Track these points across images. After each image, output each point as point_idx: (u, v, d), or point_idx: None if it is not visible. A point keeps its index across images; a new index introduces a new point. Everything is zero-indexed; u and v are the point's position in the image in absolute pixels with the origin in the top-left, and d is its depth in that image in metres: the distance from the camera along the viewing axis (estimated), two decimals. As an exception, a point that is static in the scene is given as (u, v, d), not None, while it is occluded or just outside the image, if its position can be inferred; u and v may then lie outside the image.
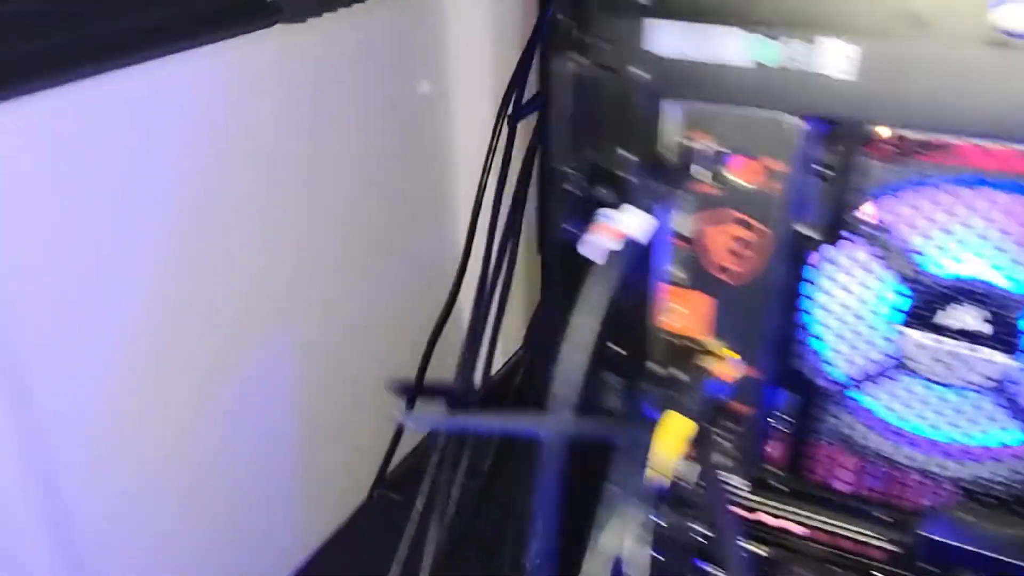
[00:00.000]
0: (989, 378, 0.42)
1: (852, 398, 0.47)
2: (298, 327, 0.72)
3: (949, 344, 0.42)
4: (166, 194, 0.58)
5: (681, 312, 0.48)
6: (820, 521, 0.50)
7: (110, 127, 0.53)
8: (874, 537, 0.48)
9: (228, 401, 0.67)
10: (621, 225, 0.41)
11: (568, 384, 0.39)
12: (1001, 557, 0.42)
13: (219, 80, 0.59)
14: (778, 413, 0.49)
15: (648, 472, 0.42)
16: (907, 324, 0.43)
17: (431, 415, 0.82)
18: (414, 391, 0.82)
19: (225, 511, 0.70)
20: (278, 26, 0.62)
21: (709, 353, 0.48)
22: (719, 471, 0.50)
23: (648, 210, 0.42)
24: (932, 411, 0.45)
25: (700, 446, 0.46)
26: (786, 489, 0.51)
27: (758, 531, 0.52)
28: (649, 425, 0.44)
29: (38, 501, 0.55)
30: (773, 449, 0.51)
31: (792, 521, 0.50)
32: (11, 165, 0.48)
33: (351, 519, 0.83)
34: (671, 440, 0.44)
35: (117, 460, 0.59)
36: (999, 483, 0.44)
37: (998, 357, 0.42)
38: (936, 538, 0.44)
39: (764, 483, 0.51)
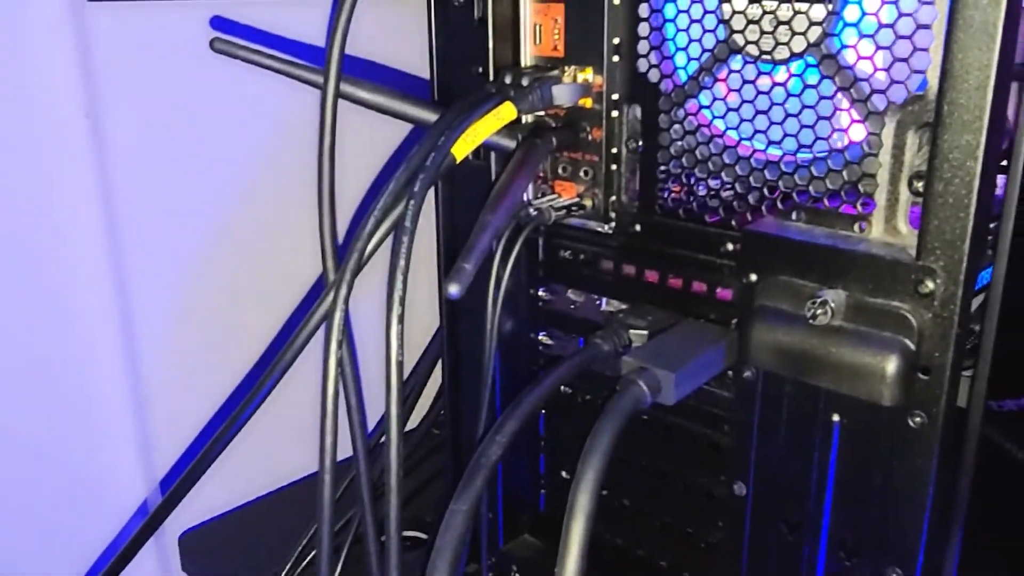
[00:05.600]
0: (812, 43, 0.44)
1: (694, 102, 0.49)
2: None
3: (770, 6, 0.45)
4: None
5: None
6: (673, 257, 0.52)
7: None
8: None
9: None
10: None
11: None
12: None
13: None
14: (627, 138, 0.53)
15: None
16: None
17: None
18: None
19: None
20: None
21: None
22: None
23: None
24: (765, 101, 0.46)
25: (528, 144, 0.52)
26: (639, 228, 0.54)
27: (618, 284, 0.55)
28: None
29: None
30: (625, 183, 0.54)
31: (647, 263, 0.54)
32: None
33: None
34: (491, 121, 0.50)
35: None
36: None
37: (815, 12, 0.43)
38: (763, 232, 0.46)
39: (621, 225, 0.54)
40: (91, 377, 0.73)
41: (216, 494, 0.89)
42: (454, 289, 0.41)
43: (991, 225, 0.41)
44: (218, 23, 0.62)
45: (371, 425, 0.74)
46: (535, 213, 0.54)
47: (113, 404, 0.76)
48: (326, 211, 0.50)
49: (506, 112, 0.50)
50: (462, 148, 0.49)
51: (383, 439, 0.70)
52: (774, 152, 0.47)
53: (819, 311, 0.42)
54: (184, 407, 0.83)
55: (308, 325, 0.49)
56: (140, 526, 0.65)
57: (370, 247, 0.47)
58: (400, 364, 0.45)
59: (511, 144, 0.53)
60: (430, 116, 0.52)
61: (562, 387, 0.61)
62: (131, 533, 0.65)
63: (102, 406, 0.75)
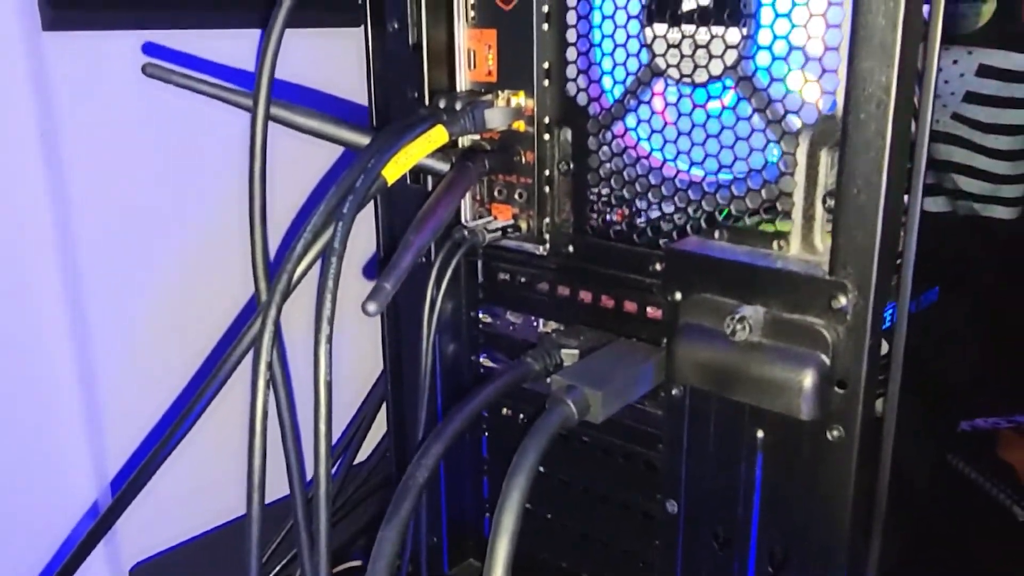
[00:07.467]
0: (729, 67, 0.45)
1: (621, 124, 0.50)
2: None
3: (688, 31, 0.46)
4: None
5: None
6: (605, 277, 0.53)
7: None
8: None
9: None
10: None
11: None
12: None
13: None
14: (559, 160, 0.53)
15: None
16: (651, 21, 0.47)
17: None
18: None
19: None
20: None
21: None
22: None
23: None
24: (688, 121, 0.47)
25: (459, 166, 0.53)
26: (572, 249, 0.54)
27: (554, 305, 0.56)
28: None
29: None
30: (558, 205, 0.54)
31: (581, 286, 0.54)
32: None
33: None
34: (422, 144, 0.50)
35: None
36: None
37: (731, 36, 0.44)
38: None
39: (555, 247, 0.55)
40: (42, 379, 0.73)
41: (169, 526, 0.88)
42: (372, 307, 0.41)
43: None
44: (150, 49, 0.63)
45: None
46: (469, 235, 0.55)
47: (65, 406, 0.76)
48: (257, 233, 0.50)
49: (437, 135, 0.51)
50: (393, 171, 0.49)
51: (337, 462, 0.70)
52: (697, 172, 0.48)
53: (738, 327, 0.43)
54: (137, 409, 0.82)
55: (239, 347, 0.49)
56: (90, 528, 0.65)
57: (300, 269, 0.48)
58: (329, 384, 0.46)
59: (446, 167, 0.54)
60: (362, 139, 0.53)
61: (504, 409, 0.61)
62: (81, 535, 0.64)
63: (53, 408, 0.75)
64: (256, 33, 0.70)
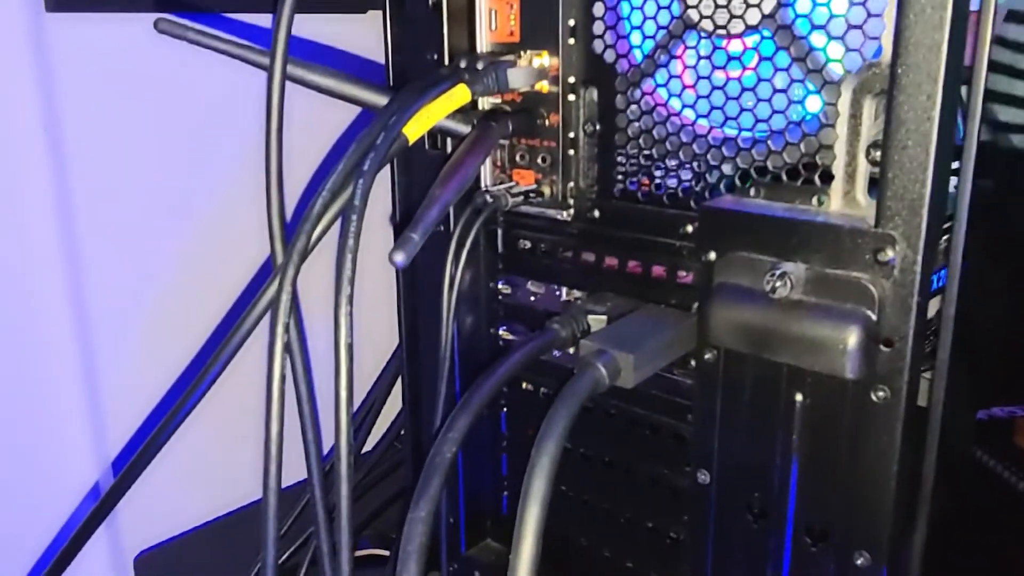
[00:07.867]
0: (766, 15, 0.43)
1: (650, 81, 0.49)
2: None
3: None
4: None
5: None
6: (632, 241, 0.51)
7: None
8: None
9: None
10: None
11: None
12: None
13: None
14: (584, 121, 0.52)
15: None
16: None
17: None
18: None
19: None
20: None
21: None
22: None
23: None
24: (722, 75, 0.45)
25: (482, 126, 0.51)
26: (597, 214, 0.53)
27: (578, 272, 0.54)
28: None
29: None
30: (582, 169, 0.53)
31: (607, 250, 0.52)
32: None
33: None
34: (444, 103, 0.49)
35: None
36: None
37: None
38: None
39: (580, 211, 0.53)
40: (43, 357, 0.72)
41: (174, 514, 0.86)
42: (399, 258, 0.40)
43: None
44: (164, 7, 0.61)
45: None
46: (491, 200, 0.53)
47: (65, 384, 0.74)
48: (274, 193, 0.48)
49: (459, 94, 0.49)
50: (414, 129, 0.48)
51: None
52: (731, 129, 0.46)
53: (778, 283, 0.41)
54: (137, 387, 0.80)
55: (255, 308, 0.47)
56: (92, 509, 0.63)
57: (319, 229, 0.46)
58: (350, 347, 0.44)
59: (466, 129, 0.52)
60: (381, 99, 0.51)
61: (524, 383, 0.59)
62: (82, 518, 0.62)
63: (54, 386, 0.74)
64: (268, 17, 0.68)
